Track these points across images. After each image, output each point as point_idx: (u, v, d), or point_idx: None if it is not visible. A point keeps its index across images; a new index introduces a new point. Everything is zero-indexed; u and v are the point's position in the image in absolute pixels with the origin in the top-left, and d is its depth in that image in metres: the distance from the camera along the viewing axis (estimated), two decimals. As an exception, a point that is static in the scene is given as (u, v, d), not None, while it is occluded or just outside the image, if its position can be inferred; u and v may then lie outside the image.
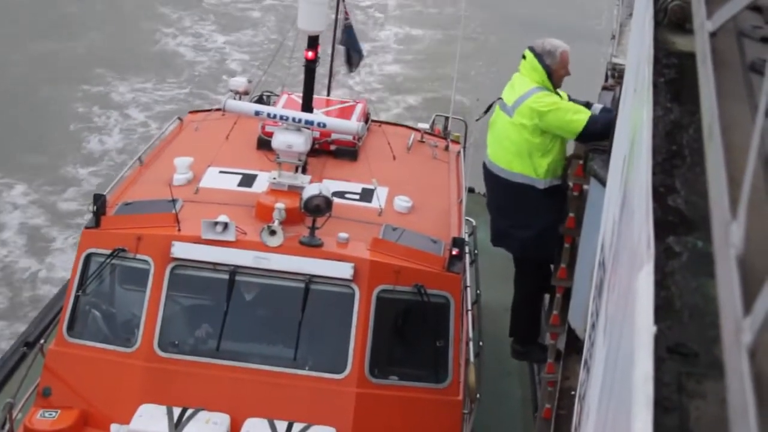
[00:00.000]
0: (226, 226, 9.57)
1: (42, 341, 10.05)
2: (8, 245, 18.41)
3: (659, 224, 3.07)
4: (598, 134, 8.46)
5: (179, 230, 9.68)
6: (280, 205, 9.69)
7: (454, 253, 9.80)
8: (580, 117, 8.70)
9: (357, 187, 10.99)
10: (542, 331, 10.07)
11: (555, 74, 9.20)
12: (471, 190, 14.25)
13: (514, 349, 10.16)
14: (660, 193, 3.19)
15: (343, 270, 9.54)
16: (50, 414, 9.49)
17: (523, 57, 9.37)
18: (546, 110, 8.85)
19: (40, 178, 20.31)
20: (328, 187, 9.86)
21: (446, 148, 13.08)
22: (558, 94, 9.27)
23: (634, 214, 3.20)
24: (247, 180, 10.84)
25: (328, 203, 9.54)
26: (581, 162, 8.19)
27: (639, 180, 3.24)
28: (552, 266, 9.42)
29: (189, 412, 9.14)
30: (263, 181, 10.63)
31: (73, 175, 20.80)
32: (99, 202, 9.96)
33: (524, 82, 9.22)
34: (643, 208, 3.03)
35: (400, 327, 9.99)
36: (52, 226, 18.96)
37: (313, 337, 9.69)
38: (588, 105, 9.33)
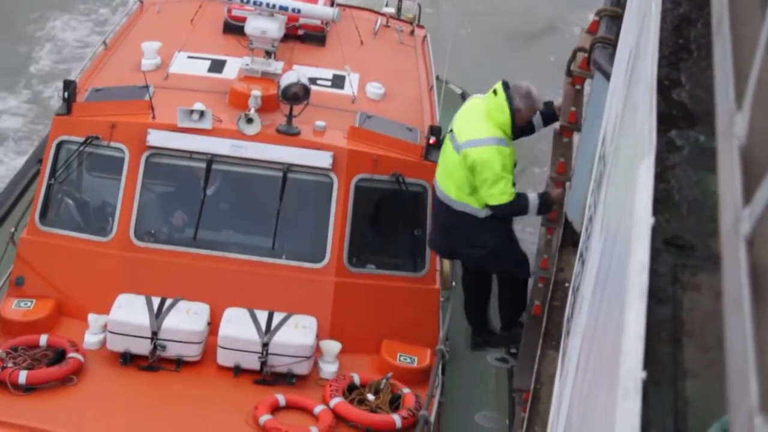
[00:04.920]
0: (202, 113, 9.43)
1: (13, 230, 9.95)
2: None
3: (662, 118, 3.03)
4: (506, 214, 8.84)
5: (154, 118, 9.53)
6: (256, 92, 9.54)
7: (431, 141, 9.74)
8: (503, 198, 8.63)
9: (328, 74, 10.85)
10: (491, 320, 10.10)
11: (518, 116, 8.77)
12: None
13: (473, 340, 10.15)
14: (665, 87, 3.13)
15: (322, 159, 9.48)
16: (25, 303, 9.46)
17: (494, 92, 8.85)
18: (480, 171, 8.63)
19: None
20: (306, 74, 9.71)
21: (412, 33, 12.93)
22: (509, 137, 8.82)
23: (638, 107, 3.15)
24: (217, 66, 10.67)
25: (306, 91, 9.41)
26: (586, 55, 8.07)
27: (644, 73, 3.18)
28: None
29: (168, 302, 9.15)
30: (233, 67, 10.47)
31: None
32: (70, 88, 9.76)
33: (482, 123, 8.74)
34: (647, 101, 2.98)
35: (378, 216, 9.99)
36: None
37: (291, 227, 9.66)
38: (548, 105, 9.14)
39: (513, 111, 8.69)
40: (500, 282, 9.77)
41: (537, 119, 9.10)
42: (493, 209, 8.79)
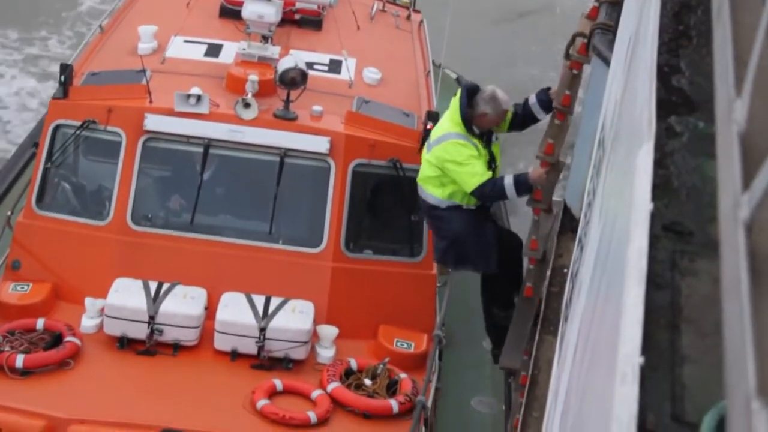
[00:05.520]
0: (199, 98, 9.42)
1: (9, 213, 9.94)
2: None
3: (662, 104, 3.02)
4: (487, 198, 8.82)
5: (151, 102, 9.52)
6: (253, 77, 9.53)
7: (428, 127, 9.73)
8: (474, 180, 8.64)
9: (325, 58, 10.84)
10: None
11: (482, 119, 8.80)
12: None
13: (494, 354, 10.05)
14: (664, 73, 3.13)
15: (320, 144, 9.47)
16: (22, 287, 9.46)
17: (454, 94, 8.95)
18: (446, 164, 8.71)
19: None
20: (303, 58, 9.70)
21: (408, 18, 12.91)
22: (476, 135, 8.89)
23: (637, 93, 3.15)
24: (213, 50, 10.65)
25: (304, 76, 9.40)
26: (585, 40, 8.06)
27: (644, 59, 3.17)
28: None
29: (165, 286, 9.15)
30: (230, 52, 10.45)
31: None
32: (66, 71, 9.73)
33: (444, 122, 8.93)
34: (647, 87, 2.97)
35: (375, 201, 9.99)
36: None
37: (289, 212, 9.66)
38: (544, 91, 9.14)
39: (462, 109, 8.73)
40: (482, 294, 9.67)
41: (536, 107, 9.09)
42: (474, 194, 8.79)
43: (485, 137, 8.92)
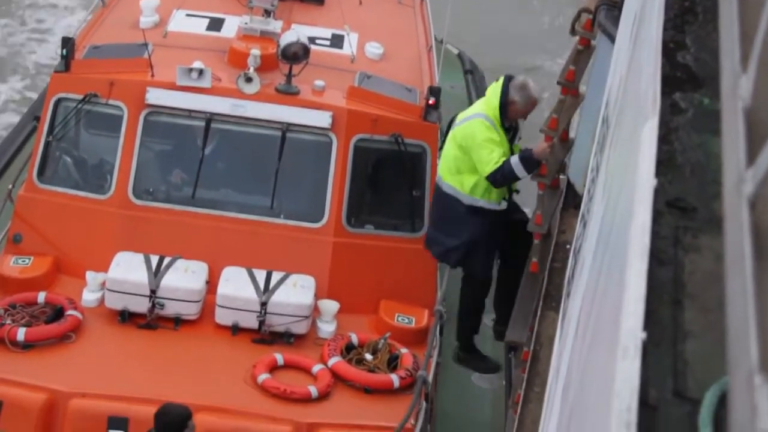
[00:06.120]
0: (201, 72, 9.39)
1: (10, 187, 9.93)
2: None
3: (667, 80, 3.01)
4: (500, 183, 8.91)
5: (153, 76, 9.49)
6: (255, 51, 9.49)
7: (430, 102, 9.71)
8: (489, 167, 8.79)
9: (327, 33, 10.81)
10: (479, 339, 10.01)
11: (510, 108, 8.96)
12: None
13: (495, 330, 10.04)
14: (670, 49, 3.11)
15: (322, 119, 9.45)
16: (23, 261, 9.46)
17: (497, 79, 9.17)
18: (467, 143, 8.85)
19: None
20: (305, 33, 9.66)
21: None
22: (504, 128, 8.98)
23: (642, 69, 3.13)
24: (215, 24, 10.61)
25: (306, 50, 9.37)
26: (590, 16, 8.04)
27: (649, 35, 3.15)
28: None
29: (167, 260, 9.15)
30: (232, 26, 10.41)
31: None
32: (68, 45, 9.70)
33: (476, 105, 9.19)
34: (652, 63, 2.96)
35: (376, 176, 9.98)
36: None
37: (290, 186, 9.65)
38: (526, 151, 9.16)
39: (504, 97, 8.91)
40: (463, 286, 9.68)
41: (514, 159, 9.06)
42: (488, 179, 8.85)
43: (510, 133, 9.02)
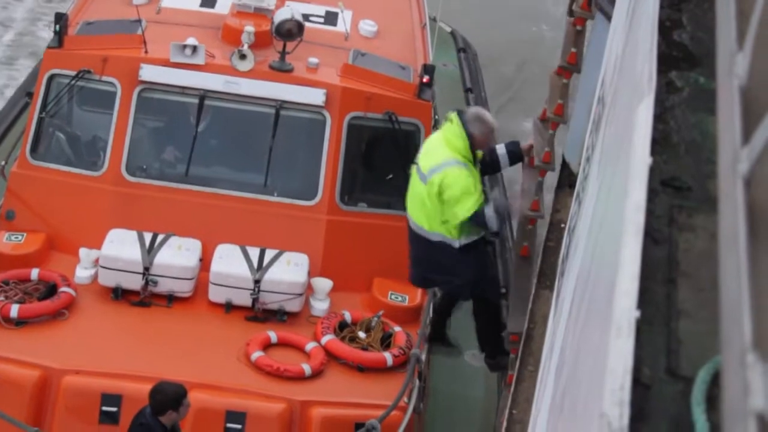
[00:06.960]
0: (195, 49, 9.36)
1: (3, 163, 9.90)
2: None
3: (663, 58, 3.00)
4: (481, 225, 8.57)
5: (146, 52, 9.45)
6: (249, 28, 9.46)
7: (424, 80, 9.69)
8: (467, 208, 8.39)
9: (321, 10, 10.77)
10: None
11: (473, 143, 8.55)
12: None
13: (487, 363, 9.93)
14: (666, 28, 3.10)
15: (315, 96, 9.43)
16: (16, 237, 9.44)
17: (450, 120, 8.63)
18: (447, 190, 8.40)
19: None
20: (299, 10, 9.62)
21: None
22: (475, 157, 8.69)
23: (638, 47, 3.12)
24: (209, 0, 10.56)
25: (300, 27, 9.34)
26: None
27: (646, 13, 3.14)
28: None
29: (160, 237, 9.14)
30: (226, 2, 10.36)
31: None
32: (61, 21, 9.65)
33: (441, 150, 8.62)
34: (648, 42, 2.95)
35: (370, 154, 9.97)
36: None
37: (284, 164, 9.64)
38: (514, 144, 9.00)
39: (469, 136, 8.52)
40: (476, 311, 9.53)
41: (503, 158, 8.93)
42: (472, 219, 8.55)
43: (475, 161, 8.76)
